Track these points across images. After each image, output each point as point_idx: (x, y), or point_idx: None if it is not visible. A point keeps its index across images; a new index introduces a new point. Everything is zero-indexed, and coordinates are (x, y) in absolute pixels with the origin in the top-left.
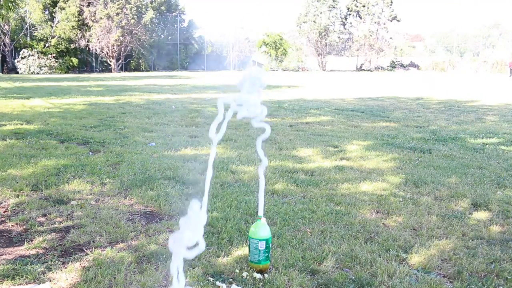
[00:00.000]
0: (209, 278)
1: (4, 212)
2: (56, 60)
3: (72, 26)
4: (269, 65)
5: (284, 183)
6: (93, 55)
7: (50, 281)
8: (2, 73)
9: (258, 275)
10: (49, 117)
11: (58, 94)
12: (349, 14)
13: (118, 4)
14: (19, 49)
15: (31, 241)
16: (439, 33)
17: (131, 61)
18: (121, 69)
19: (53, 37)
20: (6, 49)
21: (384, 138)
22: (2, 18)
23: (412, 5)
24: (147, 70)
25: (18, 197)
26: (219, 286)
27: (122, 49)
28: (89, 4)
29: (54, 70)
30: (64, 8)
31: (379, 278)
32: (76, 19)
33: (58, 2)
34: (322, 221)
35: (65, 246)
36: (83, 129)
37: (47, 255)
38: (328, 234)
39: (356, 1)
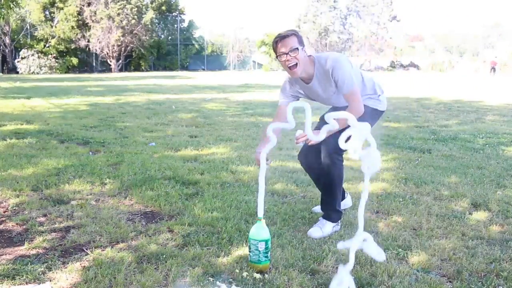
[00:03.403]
0: (209, 278)
1: (4, 212)
2: (56, 60)
3: (72, 26)
4: (269, 65)
5: (284, 183)
6: (93, 55)
7: (50, 281)
8: (2, 73)
9: (258, 275)
10: (49, 117)
11: (58, 94)
12: (349, 14)
13: (119, 5)
14: (19, 49)
15: (31, 241)
16: (439, 33)
17: (131, 61)
18: (121, 69)
19: (53, 37)
20: (7, 49)
21: (384, 138)
22: (3, 18)
23: (412, 5)
24: (147, 70)
25: (18, 197)
26: (219, 286)
27: (122, 49)
28: (89, 4)
29: (54, 70)
30: (62, 8)
31: (379, 278)
32: (76, 19)
33: (56, 2)
34: None
35: (65, 246)
36: (83, 129)
37: (47, 255)
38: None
39: (356, 1)
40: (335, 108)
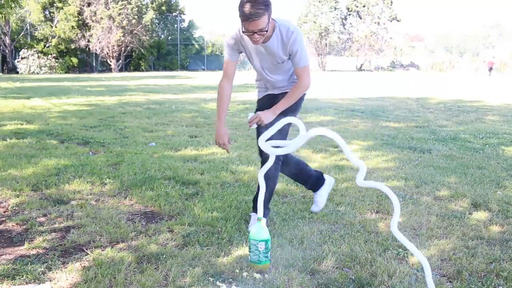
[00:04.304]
0: (209, 278)
1: (4, 212)
2: (56, 60)
3: (72, 26)
4: None
5: (284, 183)
6: (93, 55)
7: (50, 281)
8: (2, 73)
9: (258, 275)
10: (49, 117)
11: (58, 94)
12: (349, 15)
13: (120, 5)
14: (19, 49)
15: (32, 241)
16: (439, 33)
17: (131, 61)
18: (121, 69)
19: (53, 37)
20: (7, 49)
21: (384, 138)
22: (4, 17)
23: (412, 5)
24: (147, 70)
25: (18, 197)
26: (219, 286)
27: (122, 49)
28: (89, 4)
29: (54, 70)
30: (62, 8)
31: (379, 278)
32: (76, 19)
33: (55, 2)
34: (322, 221)
35: (65, 246)
36: (83, 129)
37: (47, 255)
38: (328, 234)
39: (356, 1)
40: (271, 83)
